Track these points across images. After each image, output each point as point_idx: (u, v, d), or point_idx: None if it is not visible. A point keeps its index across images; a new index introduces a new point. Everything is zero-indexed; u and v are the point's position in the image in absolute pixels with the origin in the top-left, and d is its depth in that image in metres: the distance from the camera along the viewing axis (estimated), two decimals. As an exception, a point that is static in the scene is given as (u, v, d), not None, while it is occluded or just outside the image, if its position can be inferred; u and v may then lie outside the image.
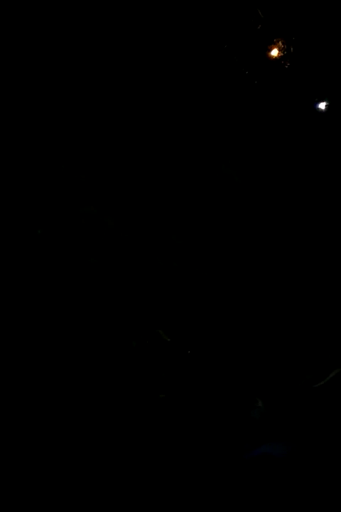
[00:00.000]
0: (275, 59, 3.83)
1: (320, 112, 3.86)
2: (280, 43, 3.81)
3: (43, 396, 3.20)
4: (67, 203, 3.61)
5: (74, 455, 3.08)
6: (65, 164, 3.65)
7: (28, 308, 3.42)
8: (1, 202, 3.54)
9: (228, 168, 3.86)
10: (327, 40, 3.75)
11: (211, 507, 3.01)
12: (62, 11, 3.64)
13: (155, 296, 3.69)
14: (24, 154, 3.59)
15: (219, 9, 3.80)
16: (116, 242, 3.74)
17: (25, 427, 3.11)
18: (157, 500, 3.01)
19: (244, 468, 3.07)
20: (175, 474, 3.08)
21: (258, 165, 3.91)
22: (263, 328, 3.51)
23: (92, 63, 3.75)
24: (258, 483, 3.01)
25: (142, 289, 3.71)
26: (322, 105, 3.86)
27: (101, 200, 3.74)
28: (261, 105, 3.90)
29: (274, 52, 3.82)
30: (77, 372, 3.32)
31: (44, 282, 3.49)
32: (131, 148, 3.79)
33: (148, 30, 3.85)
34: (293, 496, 2.93)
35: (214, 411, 3.29)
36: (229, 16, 3.81)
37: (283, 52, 3.81)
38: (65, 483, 2.98)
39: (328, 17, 3.73)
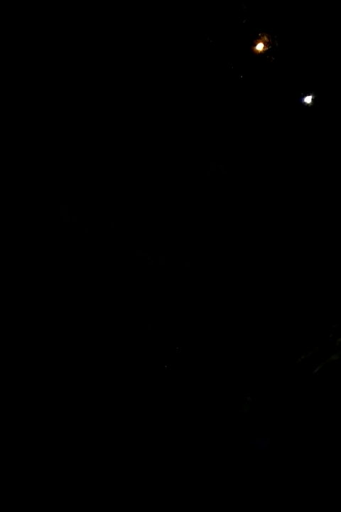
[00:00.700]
0: (261, 53, 3.82)
1: (305, 105, 3.88)
2: (265, 37, 3.79)
3: (43, 394, 3.24)
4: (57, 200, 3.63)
5: (75, 453, 3.13)
6: (62, 163, 3.65)
7: (27, 305, 3.46)
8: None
9: (216, 163, 3.88)
10: (311, 35, 3.74)
11: (203, 494, 3.12)
12: (62, 12, 3.59)
13: (144, 292, 3.74)
14: (23, 153, 3.58)
15: (204, 3, 3.76)
16: (112, 236, 3.78)
17: (26, 426, 3.15)
18: (154, 492, 3.11)
19: (235, 459, 3.19)
20: (168, 466, 3.18)
21: (245, 159, 3.94)
22: (251, 327, 3.60)
23: (88, 65, 3.72)
24: (249, 474, 3.14)
25: (132, 285, 3.76)
26: (307, 99, 3.88)
27: (94, 195, 3.76)
28: (247, 100, 3.91)
29: (259, 47, 3.81)
30: (75, 370, 3.37)
31: (43, 280, 3.53)
32: (121, 146, 3.79)
33: (131, 27, 3.81)
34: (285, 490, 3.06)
35: (206, 406, 3.40)
36: (213, 10, 3.78)
37: (268, 47, 3.80)
38: (65, 483, 3.04)
39: (313, 11, 3.71)
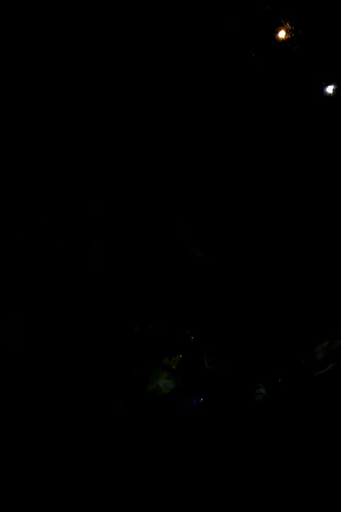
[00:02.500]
0: (283, 41, 3.76)
1: (327, 95, 3.82)
2: (287, 24, 3.73)
3: (43, 393, 3.24)
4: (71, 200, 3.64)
5: (74, 454, 3.11)
6: (68, 161, 3.65)
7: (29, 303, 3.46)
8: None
9: (233, 151, 3.85)
10: (335, 23, 3.68)
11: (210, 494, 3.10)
12: (62, 11, 3.57)
13: (158, 284, 3.74)
14: (26, 153, 3.60)
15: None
16: (119, 230, 3.78)
17: (25, 426, 3.14)
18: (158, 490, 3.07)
19: (247, 455, 3.18)
20: (176, 464, 3.17)
21: (263, 148, 3.90)
22: (266, 317, 3.58)
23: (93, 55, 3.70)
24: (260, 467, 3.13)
25: (144, 276, 3.76)
26: (328, 89, 3.82)
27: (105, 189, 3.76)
28: (268, 88, 3.86)
29: (281, 34, 3.75)
30: (77, 367, 3.36)
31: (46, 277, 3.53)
32: (135, 137, 3.78)
33: (153, 8, 3.77)
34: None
35: (218, 397, 3.40)
36: (236, -4, 3.73)
37: (291, 35, 3.74)
38: (65, 483, 3.01)
39: (337, -1, 3.64)
